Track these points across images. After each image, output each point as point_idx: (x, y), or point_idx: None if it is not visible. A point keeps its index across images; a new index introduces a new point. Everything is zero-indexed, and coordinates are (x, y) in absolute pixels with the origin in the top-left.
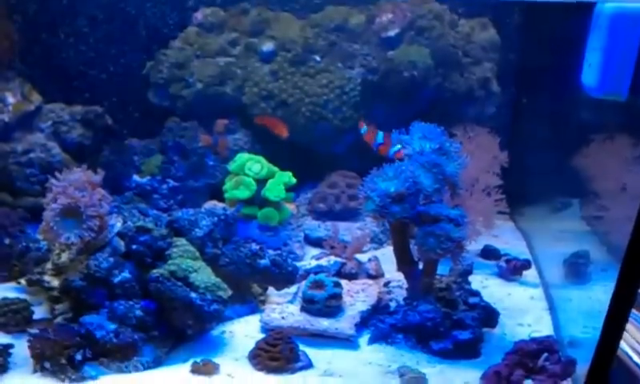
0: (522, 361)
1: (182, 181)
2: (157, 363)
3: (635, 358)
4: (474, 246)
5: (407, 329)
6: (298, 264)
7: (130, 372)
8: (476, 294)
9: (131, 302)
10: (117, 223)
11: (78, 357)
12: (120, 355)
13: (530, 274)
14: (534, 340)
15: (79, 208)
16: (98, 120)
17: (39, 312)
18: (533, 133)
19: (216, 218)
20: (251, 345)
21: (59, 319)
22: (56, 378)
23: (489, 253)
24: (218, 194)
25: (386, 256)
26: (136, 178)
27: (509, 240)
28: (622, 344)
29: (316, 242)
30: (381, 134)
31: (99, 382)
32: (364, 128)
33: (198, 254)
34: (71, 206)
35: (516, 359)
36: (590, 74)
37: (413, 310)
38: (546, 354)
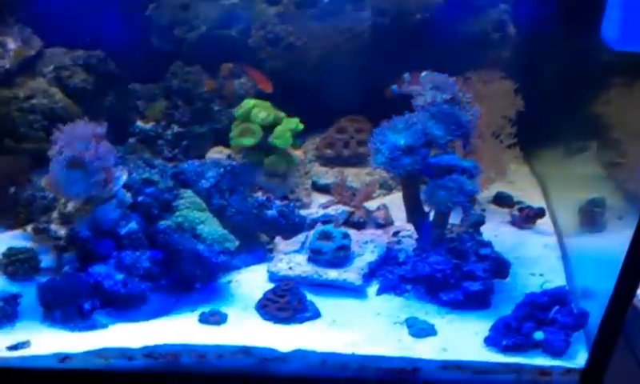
0: (533, 312)
1: (186, 126)
2: (165, 312)
3: None
4: (486, 193)
5: (416, 280)
6: (306, 212)
7: (138, 321)
8: (487, 244)
9: (138, 253)
10: (122, 175)
11: (87, 306)
12: (128, 304)
13: (544, 222)
14: (545, 291)
15: (84, 161)
16: (100, 65)
17: (46, 261)
18: (550, 77)
19: (222, 169)
20: (259, 295)
21: (67, 268)
22: (65, 326)
23: (502, 200)
24: (223, 140)
25: (396, 203)
26: (139, 123)
27: (523, 186)
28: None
29: (324, 189)
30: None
31: (108, 331)
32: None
33: (204, 205)
34: (76, 159)
35: (526, 311)
36: (610, 27)
37: (422, 261)
38: (557, 306)
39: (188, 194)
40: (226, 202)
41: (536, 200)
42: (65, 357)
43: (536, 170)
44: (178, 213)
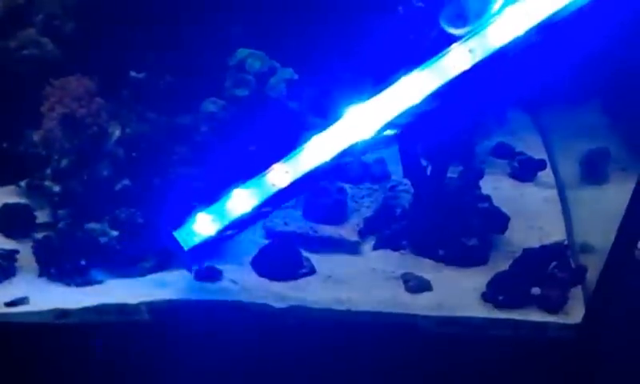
0: (530, 268)
1: (179, 76)
2: (161, 267)
3: None
4: (486, 143)
5: (413, 235)
6: None
7: (134, 277)
8: (485, 198)
9: (133, 210)
10: (115, 131)
11: (83, 262)
12: (124, 260)
13: (545, 174)
14: (542, 247)
15: (77, 118)
16: (93, 12)
17: (41, 216)
18: None
19: (215, 122)
20: (255, 251)
21: (62, 224)
22: (62, 282)
23: (502, 151)
24: (219, 90)
25: (393, 155)
26: (133, 73)
27: (524, 136)
28: None
29: None
30: None
31: (105, 286)
32: None
33: (198, 160)
34: (69, 116)
35: (523, 267)
36: None
37: (419, 216)
38: (554, 262)
39: (182, 149)
40: (220, 156)
41: (537, 151)
42: (62, 313)
43: (537, 119)
44: (171, 169)
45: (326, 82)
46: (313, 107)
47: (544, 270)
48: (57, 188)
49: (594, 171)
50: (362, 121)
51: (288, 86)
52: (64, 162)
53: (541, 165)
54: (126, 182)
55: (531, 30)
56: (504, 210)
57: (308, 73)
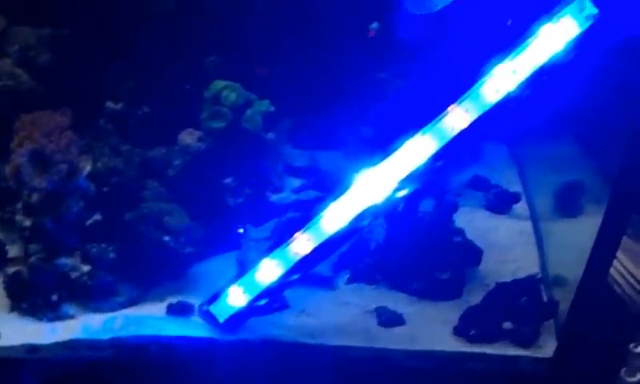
0: (502, 302)
1: (157, 107)
2: (133, 303)
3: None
4: (463, 176)
5: (387, 269)
6: (277, 196)
7: (106, 312)
8: (459, 232)
9: (104, 245)
10: (86, 166)
11: (54, 297)
12: (96, 296)
13: (521, 207)
14: (514, 281)
15: (46, 153)
16: (68, 43)
17: (13, 251)
18: None
19: (189, 156)
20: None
21: (33, 259)
22: (34, 317)
23: (478, 183)
24: (196, 121)
25: None
26: (109, 104)
27: (500, 167)
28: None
29: (297, 172)
30: None
31: (76, 321)
32: None
33: (170, 196)
34: (38, 152)
35: (495, 300)
36: None
37: (393, 250)
38: (525, 297)
39: (154, 184)
40: (194, 191)
41: (513, 183)
42: (32, 348)
43: (514, 149)
44: (143, 204)
45: (304, 113)
46: (291, 138)
47: (516, 304)
48: (27, 222)
49: (568, 204)
50: (373, 185)
51: (265, 118)
52: (34, 197)
53: (515, 197)
54: (97, 216)
55: (519, 85)
56: (479, 242)
57: (286, 104)
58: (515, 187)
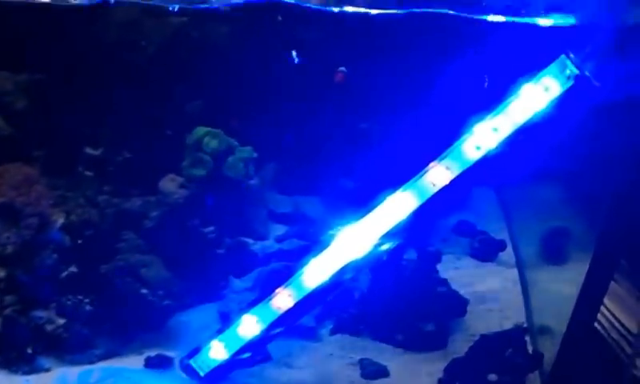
0: (486, 354)
1: (137, 152)
2: (110, 355)
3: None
4: (448, 220)
5: (371, 319)
6: (261, 244)
7: (82, 364)
8: (443, 282)
9: (80, 297)
10: (59, 219)
11: (29, 351)
12: (72, 348)
13: (507, 253)
14: (499, 333)
15: (16, 206)
16: (45, 90)
17: None
18: None
19: (167, 207)
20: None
21: (8, 311)
22: (9, 370)
23: (464, 229)
24: (177, 167)
25: None
26: (89, 150)
27: (487, 212)
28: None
29: (281, 219)
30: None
31: (52, 374)
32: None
33: (148, 247)
34: (7, 205)
35: (480, 353)
36: None
37: (377, 300)
38: (510, 349)
39: (130, 235)
40: (172, 242)
41: (499, 228)
42: None
43: (500, 195)
44: (119, 256)
45: (287, 159)
46: (275, 184)
47: (501, 356)
48: (2, 273)
49: (554, 251)
50: (354, 240)
51: (248, 164)
52: (8, 249)
53: (501, 245)
54: (73, 269)
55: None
56: (464, 291)
57: (269, 150)
58: (501, 233)
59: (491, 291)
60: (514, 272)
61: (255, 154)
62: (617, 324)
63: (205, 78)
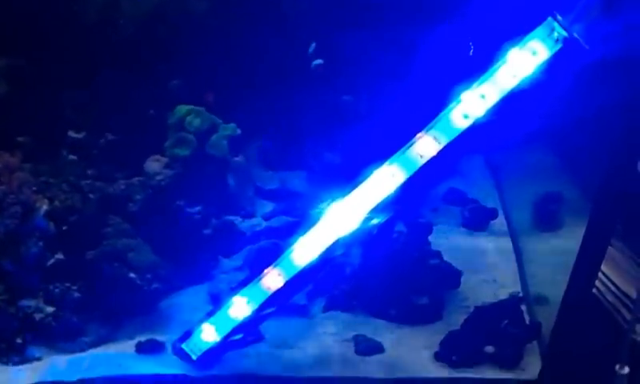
0: (483, 326)
1: (120, 133)
2: (101, 342)
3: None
4: (438, 190)
5: (363, 295)
6: (248, 223)
7: (73, 352)
8: (436, 254)
9: (68, 284)
10: (43, 205)
11: (19, 340)
12: (62, 336)
13: (498, 222)
14: (494, 304)
15: None
16: (25, 73)
17: None
18: None
19: (151, 190)
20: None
21: None
22: None
23: (454, 197)
24: (161, 148)
25: None
26: (71, 133)
27: (476, 178)
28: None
29: (268, 195)
30: None
31: (43, 363)
32: None
33: (134, 231)
34: None
35: (476, 324)
36: None
37: (369, 275)
38: (506, 320)
39: (115, 220)
40: (158, 225)
41: (490, 195)
42: None
43: (490, 160)
44: (106, 241)
45: (273, 134)
46: (261, 160)
47: (497, 327)
48: None
49: (547, 217)
50: (343, 217)
51: (231, 142)
52: None
53: (492, 214)
54: (59, 256)
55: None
56: (457, 262)
57: (254, 124)
58: (492, 200)
59: (484, 261)
60: (507, 240)
61: (239, 131)
62: (615, 290)
63: (185, 56)
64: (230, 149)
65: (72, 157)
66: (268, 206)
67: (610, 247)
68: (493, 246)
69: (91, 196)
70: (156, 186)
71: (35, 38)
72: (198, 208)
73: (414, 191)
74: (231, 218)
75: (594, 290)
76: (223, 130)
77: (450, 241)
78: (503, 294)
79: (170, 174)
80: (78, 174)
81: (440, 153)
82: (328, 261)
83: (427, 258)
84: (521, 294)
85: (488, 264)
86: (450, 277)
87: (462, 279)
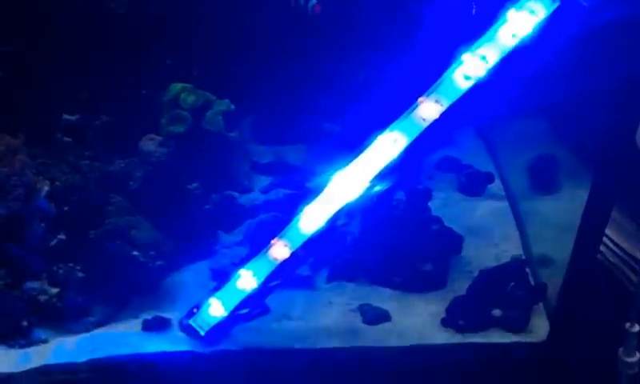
0: (488, 290)
1: (115, 114)
2: (107, 322)
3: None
4: (431, 158)
5: (367, 263)
6: (246, 197)
7: (79, 333)
8: (437, 220)
9: (71, 265)
10: (43, 186)
11: (24, 323)
12: (68, 317)
13: (495, 186)
14: (498, 267)
15: (1, 177)
16: (19, 58)
17: None
18: None
19: (150, 167)
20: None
21: (1, 284)
22: (5, 345)
23: (449, 164)
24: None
25: None
26: (66, 116)
27: (468, 145)
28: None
29: (265, 169)
30: None
31: (50, 345)
32: None
33: (135, 209)
34: None
35: (482, 289)
36: None
37: (371, 243)
38: (513, 282)
39: (117, 198)
40: (159, 202)
41: (483, 161)
42: (7, 377)
43: (480, 127)
44: (107, 220)
45: (266, 107)
46: (256, 135)
47: (503, 290)
48: None
49: (543, 180)
50: (347, 184)
51: (225, 117)
52: None
53: (489, 178)
54: (62, 236)
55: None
56: (457, 228)
57: (246, 100)
58: (487, 166)
59: (484, 225)
60: (506, 204)
61: (233, 106)
62: (620, 252)
63: (177, 33)
64: (224, 124)
65: (67, 139)
66: (265, 181)
67: (613, 210)
68: (491, 210)
69: (91, 175)
70: (154, 163)
71: (26, 21)
72: (195, 184)
73: (416, 157)
74: (229, 193)
75: (599, 254)
76: (218, 105)
77: (448, 207)
78: (505, 258)
79: (166, 151)
80: (75, 155)
81: (442, 116)
82: (332, 229)
83: (428, 224)
84: (523, 257)
85: (488, 228)
86: (452, 242)
87: (464, 244)
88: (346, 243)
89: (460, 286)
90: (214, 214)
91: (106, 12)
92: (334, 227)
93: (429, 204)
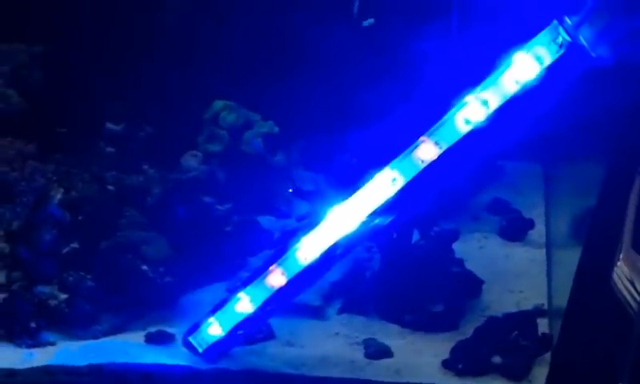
0: (492, 335)
1: (160, 126)
2: (115, 331)
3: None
4: (482, 198)
5: (380, 300)
6: (282, 223)
7: (85, 339)
8: (458, 262)
9: (82, 273)
10: (56, 194)
11: (33, 325)
12: (75, 323)
13: (537, 232)
14: (508, 314)
15: (9, 181)
16: (62, 61)
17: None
18: None
19: (171, 184)
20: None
21: (15, 286)
22: (13, 344)
23: (497, 206)
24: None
25: None
26: (110, 125)
27: (525, 190)
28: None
29: (307, 196)
30: None
31: (55, 348)
32: None
33: (149, 224)
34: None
35: (485, 334)
36: None
37: (387, 280)
38: (516, 331)
39: (131, 212)
40: (176, 220)
41: (536, 206)
42: (10, 372)
43: (549, 172)
44: (119, 232)
45: (316, 134)
46: (303, 160)
47: (506, 338)
48: (7, 250)
49: (583, 230)
50: (346, 217)
51: (270, 140)
52: (14, 225)
53: (530, 223)
54: (74, 245)
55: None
56: (485, 271)
57: (297, 124)
58: (537, 211)
59: (514, 271)
60: (542, 252)
61: (276, 129)
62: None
63: (229, 48)
64: (268, 147)
65: (110, 149)
66: (305, 208)
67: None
68: (526, 257)
69: (110, 187)
70: (177, 180)
71: (73, 23)
72: (228, 205)
73: (413, 197)
74: (265, 217)
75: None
76: (259, 126)
77: (483, 250)
78: (527, 306)
79: (205, 169)
80: (107, 166)
81: (440, 157)
82: (330, 260)
83: (448, 266)
84: (545, 307)
85: (517, 274)
86: (470, 285)
87: (488, 288)
88: (363, 278)
89: (472, 330)
90: (235, 237)
91: (155, 22)
92: (330, 258)
93: (455, 245)
